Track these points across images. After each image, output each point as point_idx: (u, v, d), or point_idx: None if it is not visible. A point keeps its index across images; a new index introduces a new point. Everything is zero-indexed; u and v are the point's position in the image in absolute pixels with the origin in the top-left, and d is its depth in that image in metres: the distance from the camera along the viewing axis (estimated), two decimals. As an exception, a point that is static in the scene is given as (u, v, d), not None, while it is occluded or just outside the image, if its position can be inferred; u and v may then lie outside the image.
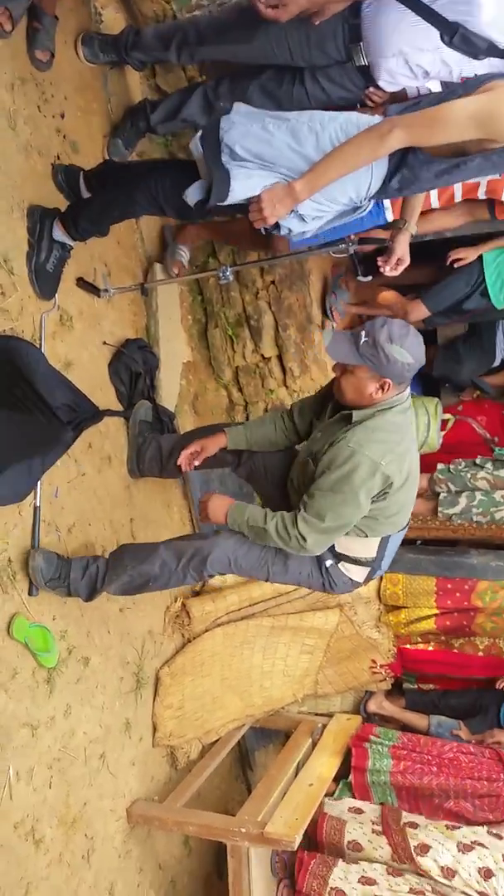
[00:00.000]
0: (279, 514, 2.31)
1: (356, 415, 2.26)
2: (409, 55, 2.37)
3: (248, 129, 2.17)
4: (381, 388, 2.22)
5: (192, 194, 2.24)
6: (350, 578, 2.48)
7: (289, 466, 2.61)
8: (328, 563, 2.43)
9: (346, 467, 2.19)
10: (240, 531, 2.39)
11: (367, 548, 2.42)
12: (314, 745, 3.41)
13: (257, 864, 2.86)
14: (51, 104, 2.68)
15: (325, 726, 3.52)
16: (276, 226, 2.26)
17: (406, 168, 2.19)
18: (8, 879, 2.20)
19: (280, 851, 2.95)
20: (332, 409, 2.44)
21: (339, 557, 2.44)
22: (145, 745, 3.01)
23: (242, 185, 2.17)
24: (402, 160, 2.18)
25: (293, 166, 2.16)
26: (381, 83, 2.50)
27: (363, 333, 2.19)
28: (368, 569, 2.47)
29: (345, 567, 2.45)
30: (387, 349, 2.15)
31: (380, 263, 2.55)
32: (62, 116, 2.74)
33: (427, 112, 2.04)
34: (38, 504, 2.43)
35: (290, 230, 2.27)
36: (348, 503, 2.21)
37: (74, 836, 2.51)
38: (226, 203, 2.20)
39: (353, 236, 2.68)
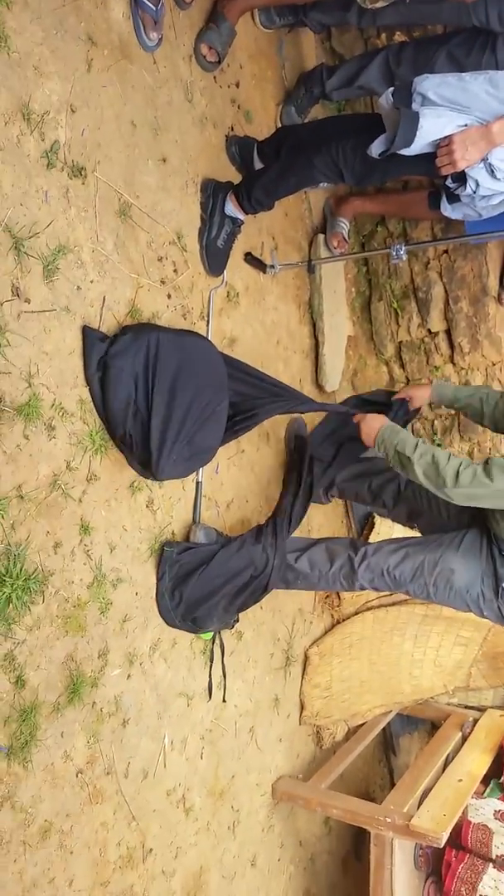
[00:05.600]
0: (435, 448, 2.11)
1: None
2: None
3: (443, 79, 2.05)
4: None
5: (377, 146, 2.12)
6: None
7: None
8: None
9: None
10: (386, 456, 2.21)
11: None
12: (464, 739, 3.29)
13: (401, 855, 2.81)
14: (226, 74, 2.63)
15: (476, 721, 3.39)
16: (463, 180, 2.10)
17: None
18: (160, 842, 2.28)
19: (424, 846, 2.88)
20: None
21: None
22: (292, 722, 3.02)
23: (432, 125, 2.02)
24: None
25: (489, 109, 2.01)
26: None
27: None
28: None
29: None
30: None
31: None
32: (237, 86, 2.69)
33: None
34: (200, 480, 2.45)
35: (477, 184, 2.10)
36: None
37: (222, 807, 2.57)
38: (412, 150, 2.05)
39: None
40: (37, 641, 1.82)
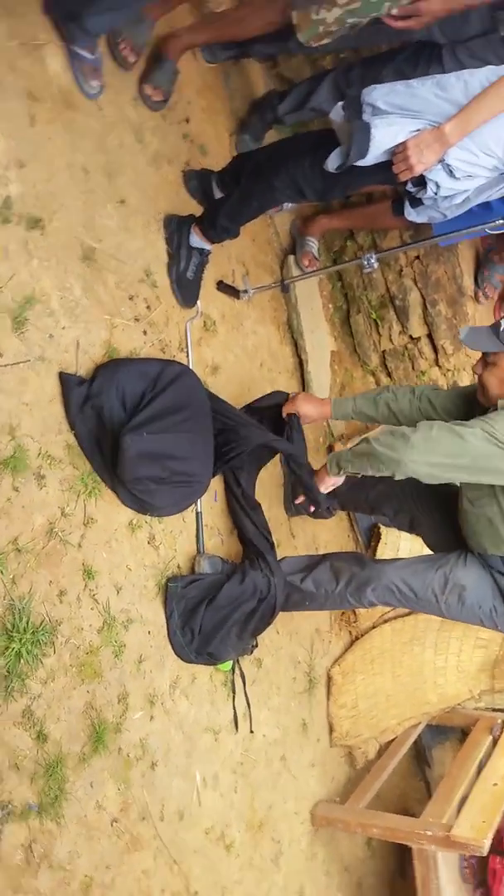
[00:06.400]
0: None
1: (501, 402, 2.08)
2: None
3: (391, 87, 2.06)
4: None
5: (333, 160, 2.12)
6: None
7: (452, 502, 2.37)
8: None
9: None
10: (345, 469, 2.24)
11: None
12: (495, 742, 3.25)
13: (446, 868, 2.76)
14: (175, 110, 2.67)
15: (505, 722, 3.34)
16: (423, 183, 2.12)
17: None
18: (204, 883, 2.23)
19: (468, 856, 2.82)
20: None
21: None
22: (323, 745, 2.97)
23: (384, 133, 2.02)
24: None
25: (440, 111, 2.01)
26: None
27: (503, 321, 2.08)
28: None
29: None
30: None
31: None
32: (187, 121, 2.73)
33: None
34: (199, 510, 2.44)
35: (437, 186, 2.10)
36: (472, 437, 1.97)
37: (262, 840, 2.52)
38: (368, 160, 2.06)
39: None
40: (53, 693, 1.80)
